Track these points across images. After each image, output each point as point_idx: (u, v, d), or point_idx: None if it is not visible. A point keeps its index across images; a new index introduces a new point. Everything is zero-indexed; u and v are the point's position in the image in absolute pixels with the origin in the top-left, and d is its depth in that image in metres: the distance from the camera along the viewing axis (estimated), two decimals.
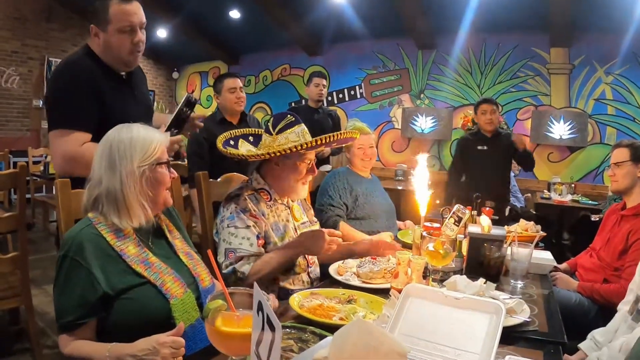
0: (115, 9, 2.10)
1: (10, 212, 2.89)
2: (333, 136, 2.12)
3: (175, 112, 2.20)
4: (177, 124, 2.22)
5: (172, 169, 1.67)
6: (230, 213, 2.10)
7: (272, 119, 2.21)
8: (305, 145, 2.06)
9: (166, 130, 2.13)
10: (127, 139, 1.57)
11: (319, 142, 2.08)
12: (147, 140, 1.59)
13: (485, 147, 4.90)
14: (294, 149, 2.06)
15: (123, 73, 2.33)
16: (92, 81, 2.14)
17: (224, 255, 2.05)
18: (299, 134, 2.16)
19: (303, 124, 2.21)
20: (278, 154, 2.08)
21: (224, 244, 2.07)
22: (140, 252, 1.54)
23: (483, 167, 4.91)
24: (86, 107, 2.12)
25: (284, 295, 2.13)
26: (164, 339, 1.28)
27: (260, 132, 2.40)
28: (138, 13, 2.18)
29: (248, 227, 2.08)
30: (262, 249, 2.10)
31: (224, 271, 2.01)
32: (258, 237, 2.10)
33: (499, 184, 4.90)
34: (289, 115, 2.19)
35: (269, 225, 2.16)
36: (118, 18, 2.11)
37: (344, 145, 3.09)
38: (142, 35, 2.22)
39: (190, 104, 2.24)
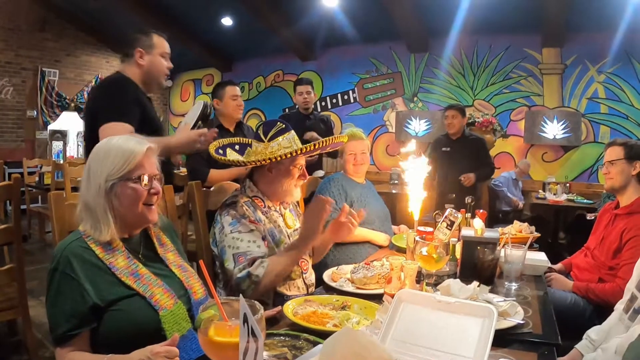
0: (157, 39, 2.74)
1: (6, 223, 2.89)
2: (326, 141, 2.20)
3: (198, 115, 2.71)
4: (203, 119, 2.71)
5: (155, 183, 1.60)
6: (232, 219, 2.11)
7: (262, 127, 2.24)
8: (304, 150, 2.12)
9: (193, 127, 2.64)
10: (103, 151, 1.54)
11: (314, 147, 2.14)
12: (119, 152, 1.53)
13: (448, 149, 5.31)
14: (294, 153, 2.11)
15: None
16: (136, 91, 2.63)
17: (233, 261, 2.03)
18: (290, 140, 2.20)
19: (293, 131, 2.25)
20: (279, 158, 2.11)
21: (230, 250, 2.06)
22: (129, 264, 1.53)
23: (447, 168, 5.29)
24: (132, 107, 2.53)
25: (279, 301, 2.14)
26: (158, 349, 1.28)
27: (245, 141, 2.43)
28: None
29: (251, 230, 2.10)
30: (268, 250, 2.12)
31: (238, 275, 1.99)
32: (263, 239, 2.12)
33: (463, 186, 5.12)
34: (279, 123, 2.23)
35: (266, 231, 2.17)
36: (160, 45, 2.76)
37: (338, 148, 3.10)
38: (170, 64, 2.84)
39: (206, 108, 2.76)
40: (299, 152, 2.12)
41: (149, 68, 2.72)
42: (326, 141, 2.21)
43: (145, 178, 1.56)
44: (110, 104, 2.52)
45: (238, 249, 2.04)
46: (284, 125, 2.21)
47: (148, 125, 2.54)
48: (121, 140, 1.58)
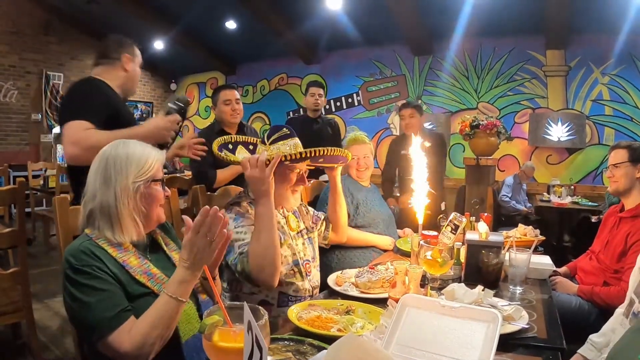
0: (137, 50, 2.80)
1: (11, 227, 2.90)
2: (317, 151, 2.11)
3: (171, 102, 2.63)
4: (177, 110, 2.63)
5: (166, 187, 1.67)
6: (235, 214, 2.10)
7: (268, 130, 2.23)
8: (291, 157, 2.05)
9: (166, 114, 2.59)
10: (124, 155, 1.57)
11: (303, 156, 2.07)
12: (143, 156, 1.59)
13: (408, 152, 4.63)
14: (282, 158, 2.04)
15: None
16: (106, 94, 2.58)
17: (237, 253, 2.01)
18: (291, 146, 2.16)
19: (297, 138, 2.21)
20: (267, 162, 2.02)
21: (237, 243, 2.03)
22: (141, 264, 1.55)
23: (409, 172, 4.55)
24: (96, 106, 2.48)
25: (283, 302, 2.14)
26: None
27: (247, 140, 2.42)
28: None
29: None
30: None
31: (234, 262, 1.99)
32: None
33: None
34: (284, 129, 2.20)
35: None
36: (139, 55, 2.82)
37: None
38: None
39: (180, 101, 2.65)
40: (289, 156, 2.04)
41: (132, 75, 2.76)
42: (320, 151, 2.11)
43: (163, 181, 1.66)
44: (71, 102, 2.53)
45: (244, 241, 2.02)
46: (288, 132, 2.19)
47: (117, 125, 2.50)
48: (138, 145, 1.63)
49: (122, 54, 2.69)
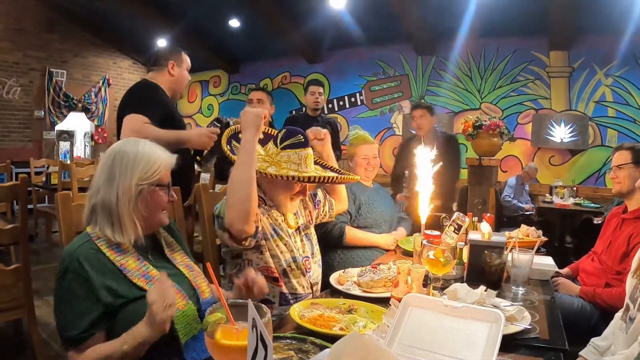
0: (184, 56, 3.27)
1: (13, 223, 2.90)
2: (328, 178, 2.24)
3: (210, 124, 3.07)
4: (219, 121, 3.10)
5: (172, 193, 1.66)
6: None
7: (284, 131, 2.21)
8: (304, 179, 2.11)
9: (208, 125, 3.01)
10: (132, 154, 1.55)
11: (310, 180, 2.14)
12: (151, 159, 1.57)
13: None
14: (289, 178, 2.07)
15: None
16: (162, 95, 3.05)
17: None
18: (301, 157, 2.15)
19: (310, 149, 2.21)
20: (272, 176, 2.06)
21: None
22: (140, 266, 1.54)
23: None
24: (153, 105, 2.89)
25: (284, 300, 2.14)
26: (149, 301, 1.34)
27: (271, 132, 2.39)
28: None
29: None
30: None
31: (223, 249, 2.01)
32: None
33: (442, 189, 4.32)
34: (300, 135, 2.18)
35: (267, 224, 2.16)
36: (186, 61, 3.28)
37: (345, 152, 3.02)
38: None
39: (220, 122, 3.08)
40: (295, 178, 2.08)
41: (178, 78, 3.20)
42: (332, 178, 2.25)
43: (169, 186, 1.64)
44: (133, 100, 2.94)
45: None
46: (303, 140, 2.18)
47: (171, 123, 2.92)
48: (148, 146, 1.61)
49: (169, 61, 3.15)
